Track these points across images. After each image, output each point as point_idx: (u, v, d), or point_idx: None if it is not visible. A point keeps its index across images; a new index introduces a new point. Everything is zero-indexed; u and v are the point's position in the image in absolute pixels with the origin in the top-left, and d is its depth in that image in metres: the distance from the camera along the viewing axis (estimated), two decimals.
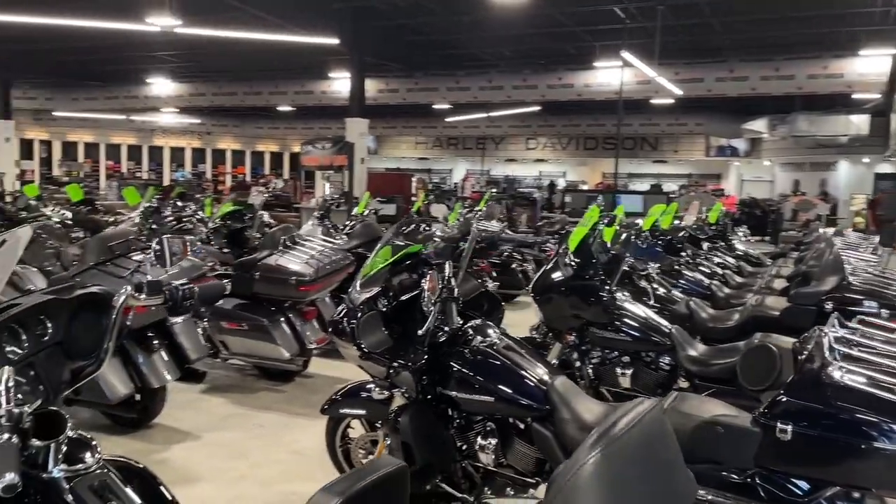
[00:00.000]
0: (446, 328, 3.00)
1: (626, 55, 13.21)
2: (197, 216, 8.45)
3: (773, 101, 18.61)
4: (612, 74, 15.78)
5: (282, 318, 5.21)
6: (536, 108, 22.25)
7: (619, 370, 4.09)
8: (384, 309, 3.04)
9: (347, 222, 8.73)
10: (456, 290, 2.93)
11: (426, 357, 2.92)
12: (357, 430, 3.52)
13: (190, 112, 27.06)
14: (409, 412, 2.93)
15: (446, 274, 2.92)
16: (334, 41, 12.81)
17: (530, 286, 4.38)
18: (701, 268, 6.40)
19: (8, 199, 9.35)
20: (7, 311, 1.71)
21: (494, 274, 9.10)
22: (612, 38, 14.31)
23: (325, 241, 5.97)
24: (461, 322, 3.06)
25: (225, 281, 5.24)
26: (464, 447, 3.00)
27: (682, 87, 15.72)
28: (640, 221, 6.67)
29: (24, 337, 1.73)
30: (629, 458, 1.04)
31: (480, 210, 11.02)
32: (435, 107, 21.30)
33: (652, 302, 4.69)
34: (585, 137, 29.38)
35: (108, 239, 4.39)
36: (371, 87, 17.86)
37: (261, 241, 5.74)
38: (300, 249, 5.40)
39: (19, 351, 1.72)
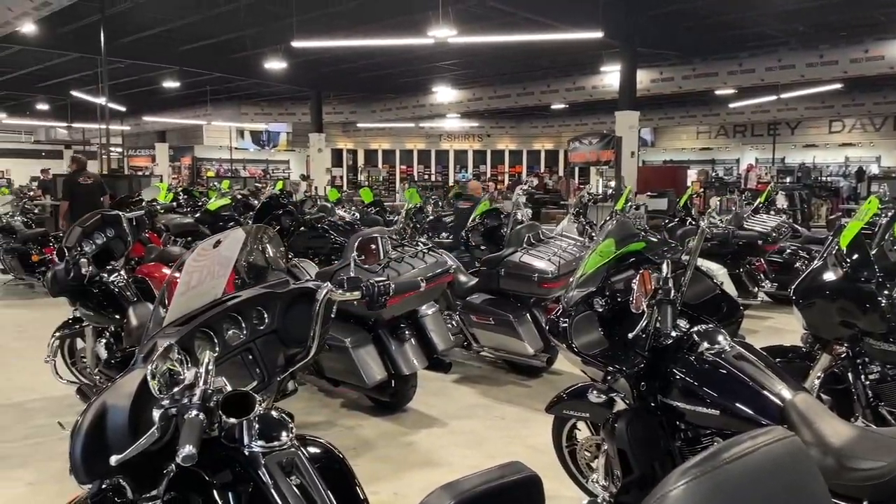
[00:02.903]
0: (669, 332, 2.79)
1: None
2: (447, 213, 8.94)
3: None
4: None
5: (526, 314, 5.29)
6: (838, 87, 19.58)
7: None
8: (601, 309, 2.92)
9: (607, 218, 8.58)
10: (673, 291, 2.70)
11: (645, 362, 2.75)
12: (584, 431, 3.43)
13: (470, 116, 28.68)
14: (626, 419, 2.78)
15: (664, 273, 2.71)
16: (598, 35, 12.60)
17: (791, 288, 3.87)
18: None
19: (308, 202, 10.77)
20: (227, 302, 1.97)
21: (773, 274, 8.26)
22: None
23: (572, 238, 5.91)
24: (687, 326, 2.82)
25: (472, 281, 5.47)
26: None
27: None
28: None
29: (243, 325, 1.98)
30: (730, 493, 0.86)
31: (761, 203, 10.04)
32: (718, 93, 19.87)
33: None
34: None
35: (363, 236, 4.83)
36: (643, 77, 17.24)
37: (506, 239, 5.87)
38: (544, 247, 5.43)
39: (241, 336, 1.97)
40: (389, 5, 13.94)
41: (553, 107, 24.84)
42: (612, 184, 17.41)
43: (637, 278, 2.60)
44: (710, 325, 2.86)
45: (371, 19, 14.65)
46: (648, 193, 13.70)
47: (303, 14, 13.65)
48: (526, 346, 5.20)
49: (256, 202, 12.93)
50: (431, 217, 7.28)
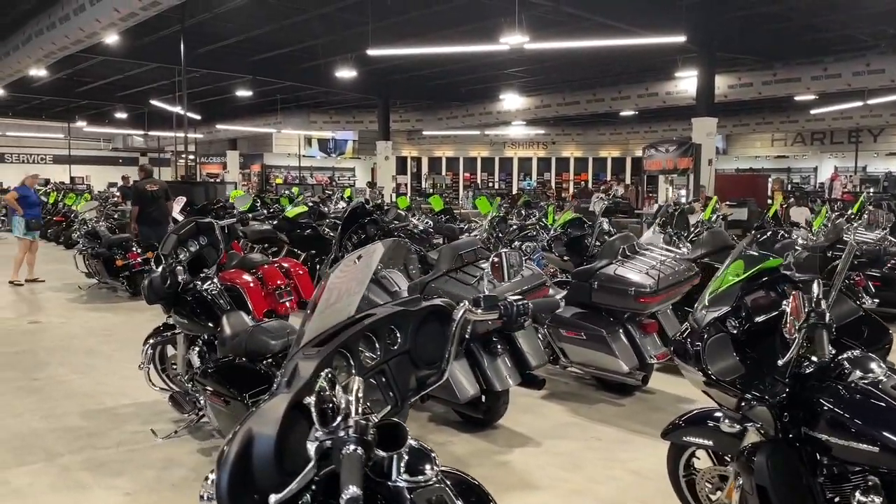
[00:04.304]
0: (814, 359, 2.54)
1: None
2: (540, 224, 8.74)
3: None
4: None
5: (620, 330, 5.05)
6: None
7: None
8: (735, 331, 2.70)
9: (692, 229, 8.23)
10: (828, 313, 2.46)
11: (787, 391, 2.51)
12: (703, 460, 3.20)
13: (536, 123, 28.41)
14: (766, 452, 2.55)
15: (815, 294, 2.47)
16: (681, 39, 12.23)
17: None
18: None
19: (392, 211, 10.77)
20: (363, 320, 1.84)
21: (872, 289, 7.77)
22: None
23: (667, 250, 5.65)
24: (833, 352, 2.57)
25: (560, 294, 5.27)
26: (836, 500, 2.51)
27: None
28: None
29: (377, 345, 1.85)
30: None
31: (854, 213, 9.53)
32: (797, 98, 19.10)
33: None
34: None
35: (458, 248, 4.70)
36: (720, 83, 16.71)
37: (600, 250, 5.65)
38: (641, 259, 5.19)
39: (375, 357, 1.84)
40: (461, 13, 13.88)
41: (622, 114, 24.38)
42: (682, 192, 16.91)
43: (790, 300, 2.37)
44: (859, 351, 2.61)
45: (442, 27, 14.63)
46: (727, 203, 13.22)
47: (376, 22, 13.72)
48: (620, 363, 4.96)
49: (326, 209, 13.05)
50: (514, 227, 7.10)
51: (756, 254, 2.92)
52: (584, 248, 6.87)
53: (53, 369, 6.11)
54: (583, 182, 32.62)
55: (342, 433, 1.40)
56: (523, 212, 11.53)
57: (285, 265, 7.25)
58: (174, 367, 4.92)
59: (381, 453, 1.46)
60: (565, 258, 6.88)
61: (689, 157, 14.07)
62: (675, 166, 14.40)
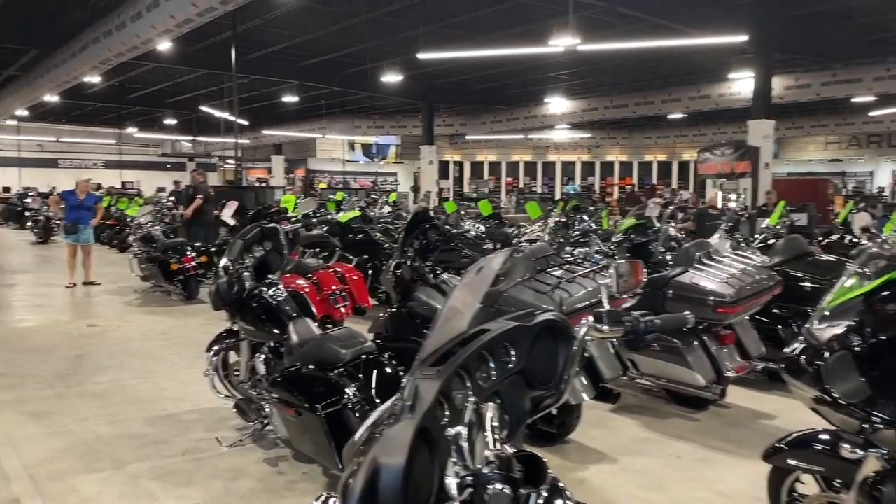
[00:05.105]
0: None
1: None
2: (593, 229, 8.51)
3: None
4: None
5: (696, 342, 4.82)
6: None
7: None
8: (858, 348, 2.48)
9: (757, 235, 7.91)
10: None
11: None
12: (808, 485, 2.98)
13: (581, 127, 28.06)
14: (894, 482, 2.33)
15: None
16: (742, 38, 11.86)
17: None
18: None
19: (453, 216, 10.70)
20: (478, 337, 1.69)
21: None
22: None
23: (744, 257, 5.39)
24: None
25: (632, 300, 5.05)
26: None
27: None
28: None
29: (492, 365, 1.70)
30: None
31: None
32: (855, 100, 18.45)
33: None
34: None
35: (534, 255, 4.53)
36: (777, 84, 16.21)
37: (674, 257, 5.42)
38: (718, 267, 4.95)
39: (491, 377, 1.69)
40: (510, 15, 13.71)
41: (670, 116, 23.91)
42: (733, 197, 16.44)
43: None
44: None
45: (491, 30, 14.49)
46: (787, 208, 12.76)
47: (426, 26, 13.65)
48: (696, 376, 4.73)
49: (373, 213, 12.99)
50: (578, 232, 6.90)
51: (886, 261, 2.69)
52: (648, 254, 6.64)
53: (114, 373, 6.11)
54: (628, 186, 32.13)
55: (485, 469, 1.26)
56: (572, 216, 11.30)
57: (340, 270, 7.18)
58: (236, 373, 4.85)
59: (523, 491, 1.32)
60: None
61: (745, 160, 13.64)
62: (731, 170, 13.97)
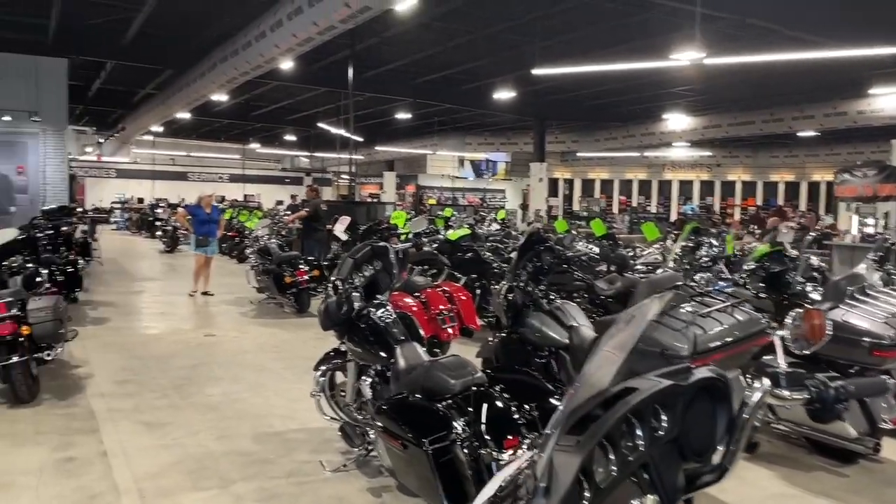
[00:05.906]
0: None
1: None
2: (719, 253, 7.92)
3: None
4: None
5: None
6: None
7: None
8: None
9: None
10: None
11: None
12: None
13: (701, 145, 26.85)
14: None
15: None
16: (890, 51, 10.86)
17: None
18: None
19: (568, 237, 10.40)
20: (623, 397, 1.42)
21: None
22: None
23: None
24: None
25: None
26: None
27: None
28: None
29: (639, 432, 1.42)
30: None
31: None
32: None
33: None
34: None
35: (656, 285, 4.16)
36: None
37: (823, 292, 4.87)
38: (874, 304, 4.38)
39: (638, 448, 1.41)
40: (630, 30, 13.24)
41: (800, 134, 22.41)
42: (870, 221, 15.12)
43: None
44: None
45: (609, 45, 14.05)
46: None
47: (542, 41, 13.40)
48: (847, 426, 4.16)
49: (482, 231, 12.80)
50: (706, 258, 6.39)
51: None
52: (785, 284, 6.06)
53: (227, 385, 6.19)
54: (751, 208, 30.41)
55: None
56: (694, 239, 10.64)
57: (448, 290, 7.00)
58: (342, 394, 4.74)
59: None
60: (761, 295, 6.08)
61: (891, 182, 12.45)
62: (874, 193, 12.78)
